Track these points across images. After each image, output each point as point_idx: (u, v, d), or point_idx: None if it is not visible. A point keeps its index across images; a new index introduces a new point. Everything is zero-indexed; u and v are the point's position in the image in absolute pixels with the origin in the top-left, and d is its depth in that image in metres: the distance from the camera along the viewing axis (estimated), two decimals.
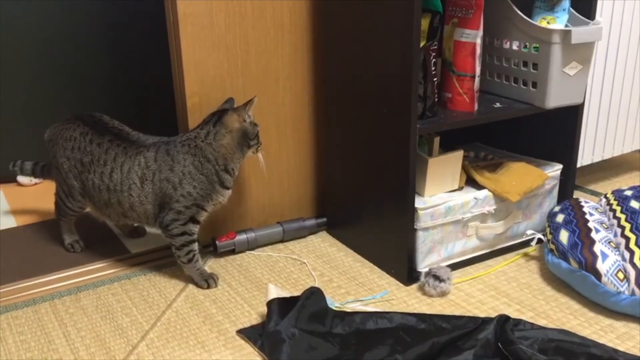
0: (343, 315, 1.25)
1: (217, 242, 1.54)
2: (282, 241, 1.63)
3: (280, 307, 1.23)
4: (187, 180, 1.35)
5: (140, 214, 1.40)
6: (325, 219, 1.68)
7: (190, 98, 1.48)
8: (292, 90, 1.61)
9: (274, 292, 1.27)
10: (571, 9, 1.46)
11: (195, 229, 1.40)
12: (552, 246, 1.38)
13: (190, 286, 1.42)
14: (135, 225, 1.65)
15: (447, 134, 1.50)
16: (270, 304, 1.24)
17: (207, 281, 1.42)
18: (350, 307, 1.31)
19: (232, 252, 1.57)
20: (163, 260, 1.54)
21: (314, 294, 1.26)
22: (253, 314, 1.31)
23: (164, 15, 1.48)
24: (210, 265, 1.52)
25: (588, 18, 1.45)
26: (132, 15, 2.09)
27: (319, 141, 1.68)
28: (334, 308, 1.29)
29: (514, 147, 1.69)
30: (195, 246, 1.40)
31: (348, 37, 1.45)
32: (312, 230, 1.67)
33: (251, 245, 1.58)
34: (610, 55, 1.79)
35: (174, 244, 1.39)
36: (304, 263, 1.52)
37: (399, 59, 1.29)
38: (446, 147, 1.55)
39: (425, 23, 1.32)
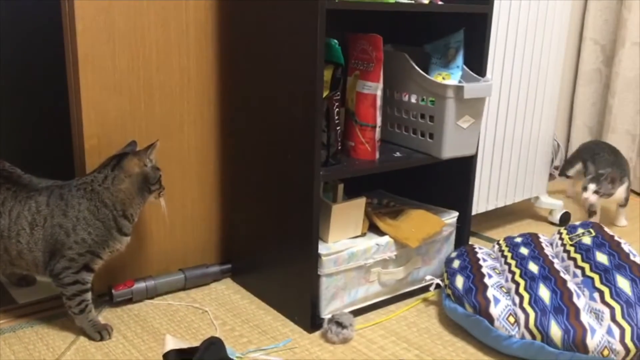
0: None
1: (113, 290, 1.47)
2: (184, 289, 1.58)
3: (178, 358, 1.18)
4: (82, 226, 1.28)
5: (29, 262, 1.31)
6: (229, 266, 1.65)
7: (89, 140, 1.43)
8: (198, 135, 1.59)
9: (171, 344, 1.22)
10: (464, 66, 1.56)
11: (89, 277, 1.32)
12: (449, 291, 1.43)
13: (82, 338, 1.34)
14: (24, 273, 1.53)
15: (351, 181, 1.53)
16: (166, 356, 1.19)
17: (101, 333, 1.34)
18: (252, 357, 1.28)
19: (130, 301, 1.50)
20: (53, 311, 1.44)
21: (214, 345, 1.22)
22: None
23: (62, 46, 1.43)
24: (105, 315, 1.44)
25: (479, 75, 1.56)
26: (27, 48, 2.00)
27: (224, 186, 1.66)
28: (235, 359, 1.26)
29: (415, 194, 1.76)
30: (88, 296, 1.33)
31: (254, 84, 1.46)
32: (216, 277, 1.63)
33: (150, 294, 1.51)
34: (501, 109, 1.92)
35: (65, 293, 1.31)
36: (206, 311, 1.48)
37: (302, 108, 1.32)
38: (351, 194, 1.58)
39: (328, 74, 1.36)
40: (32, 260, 1.30)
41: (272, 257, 1.50)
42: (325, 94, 1.35)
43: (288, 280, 1.46)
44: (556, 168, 2.67)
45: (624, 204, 2.12)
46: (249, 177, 1.54)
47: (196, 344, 1.23)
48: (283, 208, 1.43)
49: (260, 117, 1.46)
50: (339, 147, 1.44)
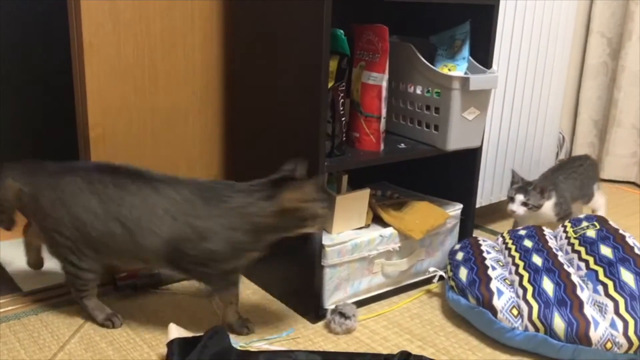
0: (246, 356, 1.22)
1: (118, 280, 1.47)
2: (187, 278, 1.58)
3: (181, 347, 1.19)
4: (212, 238, 1.22)
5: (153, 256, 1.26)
6: None
7: (94, 129, 1.43)
8: (203, 124, 1.59)
9: (175, 332, 1.23)
10: (470, 57, 1.56)
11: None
12: (453, 283, 1.43)
13: (86, 326, 1.34)
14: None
15: (355, 172, 1.53)
16: (170, 344, 1.20)
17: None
18: (255, 347, 1.29)
19: (134, 290, 1.50)
20: (58, 299, 1.45)
21: (217, 334, 1.23)
22: (153, 356, 1.25)
23: (68, 41, 1.43)
24: (110, 304, 1.45)
25: (485, 67, 1.55)
26: (34, 40, 2.00)
27: (229, 177, 1.66)
28: (238, 348, 1.26)
29: (419, 186, 1.75)
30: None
31: (260, 75, 1.46)
32: None
33: (155, 283, 1.52)
34: (507, 102, 1.91)
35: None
36: (210, 302, 1.48)
37: (308, 98, 1.32)
38: (355, 186, 1.58)
39: (333, 64, 1.36)
40: (157, 252, 1.24)
41: (276, 248, 1.50)
42: (330, 84, 1.35)
43: (292, 272, 1.46)
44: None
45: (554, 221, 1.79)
46: (253, 167, 1.54)
47: (200, 333, 1.24)
48: None
49: (265, 107, 1.46)
50: (344, 138, 1.43)
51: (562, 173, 1.87)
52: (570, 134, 2.74)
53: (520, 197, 1.72)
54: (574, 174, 1.88)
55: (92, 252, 1.28)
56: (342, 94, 1.39)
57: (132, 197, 1.23)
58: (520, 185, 1.75)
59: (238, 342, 1.29)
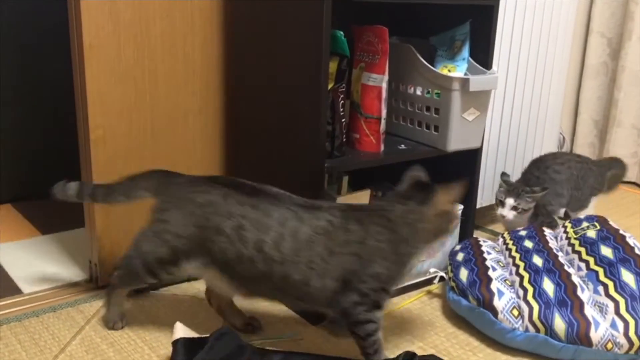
0: (263, 353, 1.22)
1: None
2: (188, 280, 1.58)
3: (187, 347, 1.19)
4: (379, 259, 1.13)
5: (314, 291, 1.15)
6: None
7: (94, 131, 1.43)
8: (203, 125, 1.59)
9: (181, 332, 1.23)
10: (470, 58, 1.56)
11: (380, 314, 1.17)
12: (453, 284, 1.43)
13: (87, 328, 1.35)
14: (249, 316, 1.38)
15: (356, 173, 1.53)
16: (175, 343, 1.20)
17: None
18: (257, 345, 1.29)
19: (135, 292, 1.50)
20: (58, 301, 1.45)
21: (226, 335, 1.22)
22: (154, 357, 1.25)
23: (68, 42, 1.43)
24: None
25: (485, 67, 1.55)
26: (36, 40, 2.01)
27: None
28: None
29: None
30: (380, 334, 1.18)
31: (259, 76, 1.46)
32: None
33: (155, 285, 1.52)
34: (507, 102, 1.91)
35: (358, 333, 1.16)
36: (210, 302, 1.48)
37: (308, 100, 1.32)
38: (356, 186, 1.58)
39: (333, 66, 1.36)
40: (320, 288, 1.14)
41: None
42: (330, 85, 1.35)
43: None
44: None
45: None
46: (253, 168, 1.54)
47: (204, 334, 1.23)
48: None
49: (266, 108, 1.46)
50: (344, 139, 1.43)
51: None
52: (571, 134, 2.73)
53: (510, 201, 1.68)
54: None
55: (215, 271, 1.19)
56: (342, 95, 1.39)
57: (274, 224, 1.13)
58: (510, 188, 1.70)
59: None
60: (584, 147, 2.68)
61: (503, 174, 1.76)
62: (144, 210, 1.53)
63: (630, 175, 2.58)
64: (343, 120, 1.42)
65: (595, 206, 1.92)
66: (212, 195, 1.18)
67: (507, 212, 1.69)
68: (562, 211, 1.83)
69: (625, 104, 2.51)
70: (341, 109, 1.40)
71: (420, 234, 1.15)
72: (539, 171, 1.80)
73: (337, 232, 1.13)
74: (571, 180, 1.81)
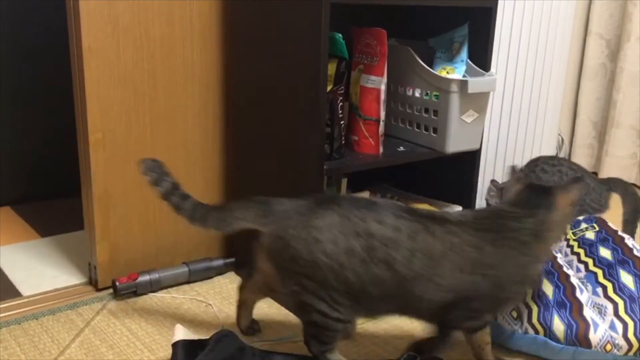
0: (262, 355, 1.22)
1: (117, 283, 1.47)
2: (188, 282, 1.58)
3: (187, 349, 1.19)
4: (507, 282, 1.09)
5: (425, 307, 1.10)
6: (233, 259, 1.66)
7: (93, 133, 1.43)
8: (203, 128, 1.59)
9: (182, 334, 1.23)
10: (469, 60, 1.56)
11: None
12: None
13: (86, 331, 1.35)
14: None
15: (355, 175, 1.53)
16: (175, 346, 1.20)
17: None
18: (257, 346, 1.29)
19: (134, 294, 1.50)
20: (58, 304, 1.45)
21: (226, 337, 1.22)
22: None
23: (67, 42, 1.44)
24: (110, 308, 1.45)
25: (484, 69, 1.55)
26: (34, 42, 2.01)
27: (228, 180, 1.66)
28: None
29: (419, 189, 1.75)
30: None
31: (258, 78, 1.47)
32: (220, 271, 1.63)
33: (154, 287, 1.52)
34: (506, 104, 1.92)
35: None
36: (210, 305, 1.48)
37: (307, 102, 1.32)
38: (355, 189, 1.58)
39: (332, 68, 1.36)
40: (434, 302, 1.08)
41: None
42: (329, 88, 1.35)
43: None
44: None
45: None
46: (253, 170, 1.54)
47: (201, 337, 1.24)
48: None
49: (265, 110, 1.46)
50: (343, 142, 1.44)
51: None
52: (570, 135, 2.74)
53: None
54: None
55: (349, 299, 1.09)
56: (341, 98, 1.39)
57: (403, 238, 1.06)
58: (501, 192, 1.65)
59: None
60: (583, 148, 2.68)
61: (493, 181, 1.74)
62: (144, 212, 1.53)
63: (629, 177, 2.58)
64: (342, 122, 1.42)
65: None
66: (332, 215, 1.09)
67: None
68: None
69: (624, 105, 2.51)
70: (340, 111, 1.40)
71: (548, 246, 1.11)
72: (528, 169, 1.78)
73: (470, 251, 1.06)
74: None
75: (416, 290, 1.07)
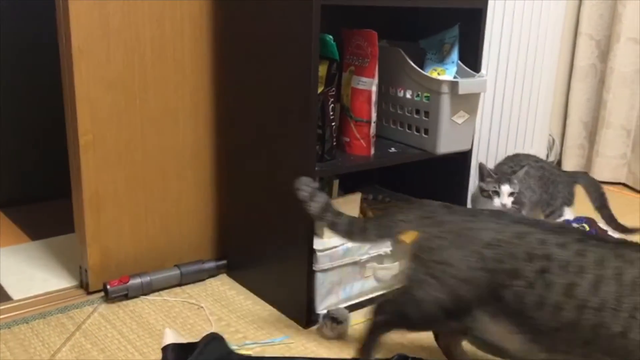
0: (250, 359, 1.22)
1: (108, 286, 1.47)
2: (179, 285, 1.58)
3: (176, 353, 1.19)
4: None
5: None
6: (225, 262, 1.65)
7: (84, 136, 1.43)
8: (193, 130, 1.59)
9: (171, 337, 1.22)
10: (459, 61, 1.56)
11: None
12: None
13: (77, 334, 1.34)
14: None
15: (347, 176, 1.54)
16: (165, 350, 1.19)
17: None
18: (249, 347, 1.29)
19: (125, 297, 1.49)
20: (48, 307, 1.44)
21: (215, 340, 1.22)
22: None
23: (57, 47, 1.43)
24: (101, 311, 1.44)
25: (475, 70, 1.56)
26: (23, 45, 2.00)
27: (220, 182, 1.66)
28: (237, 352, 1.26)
29: (410, 189, 1.76)
30: None
31: (249, 80, 1.46)
32: (212, 273, 1.63)
33: (146, 290, 1.51)
34: (497, 105, 1.92)
35: None
36: (202, 307, 1.48)
37: (298, 104, 1.32)
38: (347, 190, 1.58)
39: (323, 70, 1.36)
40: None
41: (268, 253, 1.51)
42: (320, 89, 1.35)
43: (284, 276, 1.46)
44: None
45: None
46: (244, 172, 1.54)
47: (193, 339, 1.23)
48: (279, 203, 1.43)
49: (256, 112, 1.46)
50: (334, 143, 1.44)
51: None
52: (560, 135, 2.75)
53: (507, 189, 1.64)
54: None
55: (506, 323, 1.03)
56: (332, 99, 1.39)
57: (590, 265, 0.97)
58: (499, 176, 1.66)
59: (231, 344, 1.29)
60: (574, 148, 2.70)
61: (482, 164, 1.71)
62: (134, 214, 1.53)
63: (619, 177, 2.60)
64: (333, 124, 1.42)
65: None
66: (503, 234, 1.03)
67: (507, 200, 1.64)
68: (528, 209, 1.80)
69: (614, 106, 2.53)
70: (331, 113, 1.40)
71: None
72: (513, 163, 1.79)
73: None
74: (543, 179, 1.80)
75: (610, 325, 0.95)
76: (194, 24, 1.53)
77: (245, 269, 1.60)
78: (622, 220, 2.18)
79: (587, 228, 1.45)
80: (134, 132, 1.49)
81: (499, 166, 1.82)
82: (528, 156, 1.85)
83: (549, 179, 1.80)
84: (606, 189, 2.55)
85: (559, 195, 1.78)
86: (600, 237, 1.05)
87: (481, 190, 1.70)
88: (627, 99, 2.52)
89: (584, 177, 1.89)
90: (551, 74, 2.08)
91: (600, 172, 2.60)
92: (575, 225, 1.48)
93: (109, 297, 1.47)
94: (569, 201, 1.78)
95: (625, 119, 2.54)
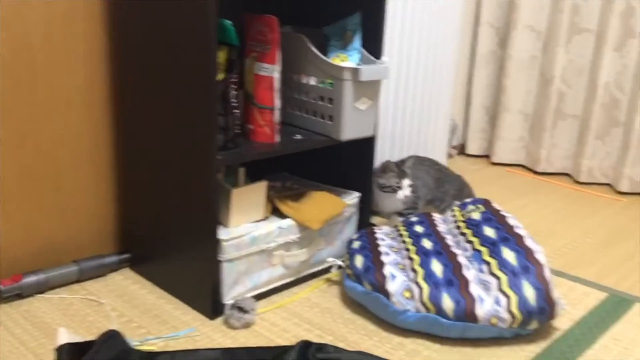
0: (147, 357, 1.18)
1: (1, 285, 1.38)
2: (78, 281, 1.51)
3: (72, 353, 1.14)
4: None
5: None
6: (128, 255, 1.60)
7: None
8: (90, 120, 1.52)
9: (65, 337, 1.17)
10: (362, 48, 1.58)
11: None
12: (349, 271, 1.46)
13: None
14: None
15: (256, 164, 1.52)
16: (59, 350, 1.14)
17: None
18: (151, 342, 1.25)
19: (19, 296, 1.41)
20: None
21: (112, 338, 1.18)
22: None
23: None
24: None
25: (377, 57, 1.58)
26: None
27: (121, 173, 1.60)
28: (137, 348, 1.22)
29: (319, 177, 1.77)
30: None
31: (147, 67, 1.41)
32: (114, 268, 1.57)
33: (41, 288, 1.44)
34: (400, 91, 1.96)
35: None
36: (102, 304, 1.42)
37: (197, 91, 1.29)
38: (255, 178, 1.56)
39: (222, 56, 1.33)
40: None
41: (172, 245, 1.47)
42: (220, 76, 1.32)
43: (189, 268, 1.43)
44: (454, 148, 2.78)
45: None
46: (146, 163, 1.49)
47: (92, 337, 1.18)
48: (182, 194, 1.40)
49: (155, 100, 1.41)
50: (238, 131, 1.42)
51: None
52: (464, 120, 2.86)
53: (407, 182, 1.76)
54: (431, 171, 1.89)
55: None
56: (234, 86, 1.37)
57: None
58: (398, 171, 1.76)
59: (132, 340, 1.25)
60: (477, 132, 2.81)
61: (388, 162, 1.79)
62: (28, 209, 1.44)
63: (519, 158, 2.74)
64: (236, 111, 1.39)
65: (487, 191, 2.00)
66: None
67: (407, 191, 1.76)
68: (424, 204, 1.86)
69: (513, 91, 2.66)
70: (234, 100, 1.38)
71: None
72: (404, 166, 1.83)
73: None
74: (439, 181, 1.87)
75: None
76: (87, 8, 1.45)
77: (149, 262, 1.56)
78: (519, 199, 2.31)
79: (483, 209, 1.52)
80: (22, 124, 1.40)
81: (399, 164, 1.86)
82: (429, 159, 1.92)
83: (442, 179, 1.89)
84: (506, 170, 2.70)
85: (449, 192, 1.88)
86: None
87: (383, 187, 1.77)
88: (524, 84, 2.65)
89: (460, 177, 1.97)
90: (452, 61, 2.14)
91: (500, 155, 2.74)
92: (471, 206, 1.55)
93: (1, 298, 1.38)
94: (458, 197, 1.87)
95: (523, 104, 2.68)
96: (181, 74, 1.32)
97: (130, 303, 1.43)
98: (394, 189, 1.75)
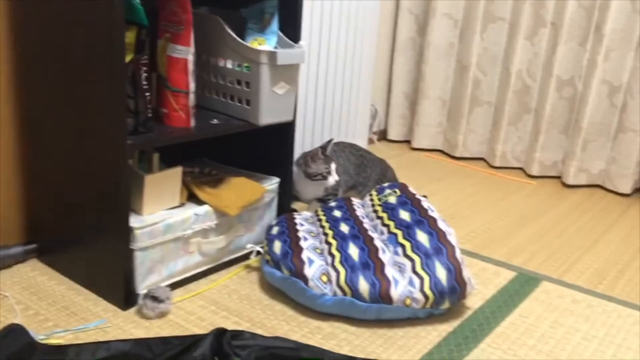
0: (54, 351, 1.13)
1: None
2: None
3: None
4: None
5: None
6: (35, 245, 1.52)
7: None
8: None
9: None
10: (280, 32, 1.56)
11: None
12: (268, 257, 1.45)
13: None
14: None
15: (173, 150, 1.47)
16: None
17: None
18: (59, 336, 1.20)
19: None
20: None
21: (13, 332, 1.12)
22: None
23: None
24: None
25: (294, 42, 1.57)
26: None
27: (26, 159, 1.51)
28: (41, 342, 1.16)
29: (237, 162, 1.74)
30: None
31: (51, 50, 1.33)
32: (19, 259, 1.49)
33: None
34: (321, 76, 1.96)
35: None
36: (6, 297, 1.35)
37: (104, 73, 1.23)
38: (173, 163, 1.52)
39: (131, 36, 1.28)
40: None
41: (83, 234, 1.41)
42: (129, 57, 1.27)
43: (100, 257, 1.38)
44: (375, 133, 2.82)
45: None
46: (53, 148, 1.41)
47: None
48: (91, 181, 1.34)
49: (62, 83, 1.33)
50: (150, 115, 1.37)
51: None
52: (385, 106, 2.90)
53: (334, 166, 1.75)
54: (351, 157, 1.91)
55: None
56: (144, 67, 1.32)
57: None
58: (325, 157, 1.74)
59: (38, 335, 1.19)
60: (397, 118, 2.87)
61: (315, 150, 1.78)
62: None
63: (437, 144, 2.82)
64: (147, 94, 1.34)
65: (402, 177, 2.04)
66: None
67: (336, 175, 1.75)
68: (344, 190, 1.89)
69: (431, 78, 2.72)
70: (144, 82, 1.33)
71: None
72: (338, 148, 1.87)
73: None
74: (361, 167, 1.90)
75: None
76: None
77: (58, 252, 1.48)
78: (437, 183, 2.37)
79: (399, 193, 1.54)
80: None
81: (323, 149, 1.85)
82: (351, 145, 1.93)
83: (363, 164, 1.91)
84: (425, 155, 2.77)
85: (372, 177, 1.90)
86: None
87: (313, 175, 1.75)
88: (442, 71, 2.71)
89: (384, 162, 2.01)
90: (371, 47, 2.17)
91: (420, 140, 2.80)
92: (388, 190, 1.57)
93: None
94: (381, 181, 1.90)
95: (441, 90, 2.74)
96: (88, 55, 1.25)
97: (37, 295, 1.36)
98: (324, 176, 1.75)
